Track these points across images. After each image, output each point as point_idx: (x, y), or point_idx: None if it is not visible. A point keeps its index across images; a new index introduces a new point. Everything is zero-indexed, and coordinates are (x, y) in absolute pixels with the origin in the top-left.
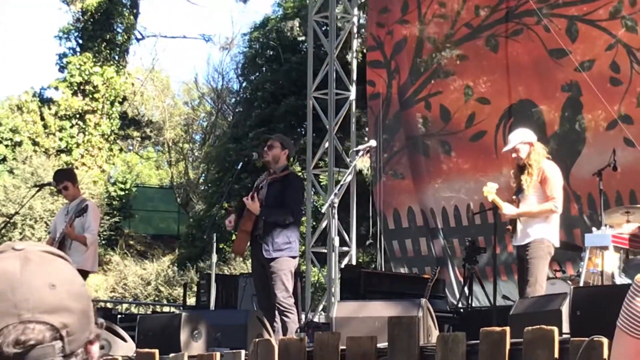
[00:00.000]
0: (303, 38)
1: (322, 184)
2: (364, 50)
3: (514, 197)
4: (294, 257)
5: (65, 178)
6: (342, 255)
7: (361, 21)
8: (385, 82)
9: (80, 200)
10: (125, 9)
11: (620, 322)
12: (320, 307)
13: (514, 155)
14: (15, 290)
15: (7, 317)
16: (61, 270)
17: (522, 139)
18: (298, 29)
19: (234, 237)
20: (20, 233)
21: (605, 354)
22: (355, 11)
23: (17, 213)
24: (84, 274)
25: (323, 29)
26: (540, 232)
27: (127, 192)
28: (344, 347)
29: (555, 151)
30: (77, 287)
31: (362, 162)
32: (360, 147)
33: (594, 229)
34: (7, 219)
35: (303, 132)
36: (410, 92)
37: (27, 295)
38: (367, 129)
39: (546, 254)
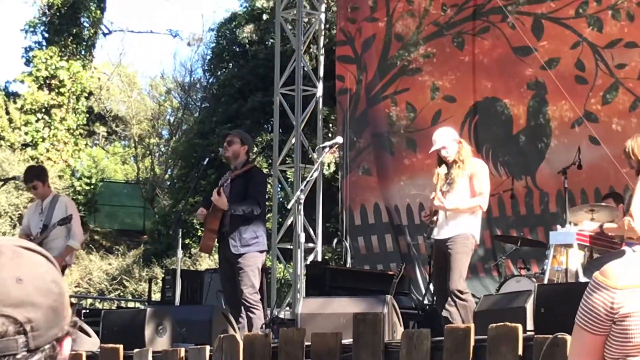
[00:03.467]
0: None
1: (288, 180)
2: (332, 47)
3: (441, 189)
4: (261, 252)
5: (34, 177)
6: (308, 251)
7: (327, 17)
8: (354, 78)
9: (52, 197)
10: (92, 3)
11: (578, 318)
12: (286, 303)
13: (443, 153)
14: None
15: None
16: (33, 265)
17: (450, 137)
18: (257, 32)
19: (200, 233)
20: None
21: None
22: (323, 8)
23: None
24: (61, 268)
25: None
26: (467, 227)
27: (92, 186)
28: (309, 343)
29: (521, 148)
30: (46, 283)
31: (327, 159)
32: (326, 143)
33: (558, 226)
34: None
35: (270, 129)
36: (377, 89)
37: None
38: (333, 126)
39: (470, 250)
